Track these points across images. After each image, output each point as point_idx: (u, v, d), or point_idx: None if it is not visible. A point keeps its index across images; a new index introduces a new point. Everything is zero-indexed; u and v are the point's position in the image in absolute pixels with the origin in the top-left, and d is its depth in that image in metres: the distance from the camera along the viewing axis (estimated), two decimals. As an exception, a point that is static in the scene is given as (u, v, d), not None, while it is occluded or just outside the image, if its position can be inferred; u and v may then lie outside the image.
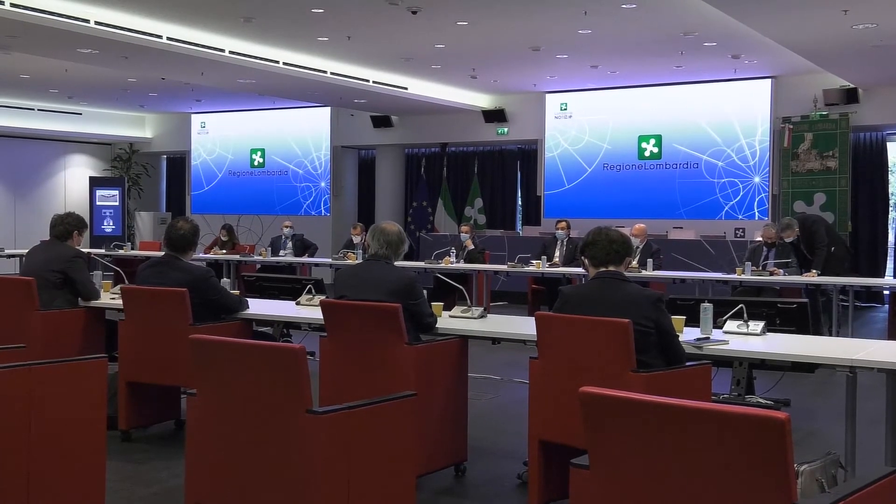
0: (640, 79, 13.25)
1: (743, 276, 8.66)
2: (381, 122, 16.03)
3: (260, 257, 11.56)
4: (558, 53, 11.41)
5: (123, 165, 18.71)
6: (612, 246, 3.93)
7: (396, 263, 4.63)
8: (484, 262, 10.84)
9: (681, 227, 12.77)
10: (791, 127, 12.54)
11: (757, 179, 13.06)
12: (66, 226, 5.78)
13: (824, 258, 9.51)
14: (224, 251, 12.14)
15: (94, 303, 5.69)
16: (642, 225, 10.13)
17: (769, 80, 12.88)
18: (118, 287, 5.56)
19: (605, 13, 9.15)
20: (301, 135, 16.83)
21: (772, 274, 8.62)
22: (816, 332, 6.93)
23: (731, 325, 4.48)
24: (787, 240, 9.21)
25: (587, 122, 14.33)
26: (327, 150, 16.55)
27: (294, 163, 16.90)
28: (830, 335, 8.29)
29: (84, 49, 10.30)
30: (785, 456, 2.01)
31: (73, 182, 18.32)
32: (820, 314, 8.78)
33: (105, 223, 17.63)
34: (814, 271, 8.81)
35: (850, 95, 12.28)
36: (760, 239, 9.55)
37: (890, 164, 13.38)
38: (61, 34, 9.37)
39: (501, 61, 11.98)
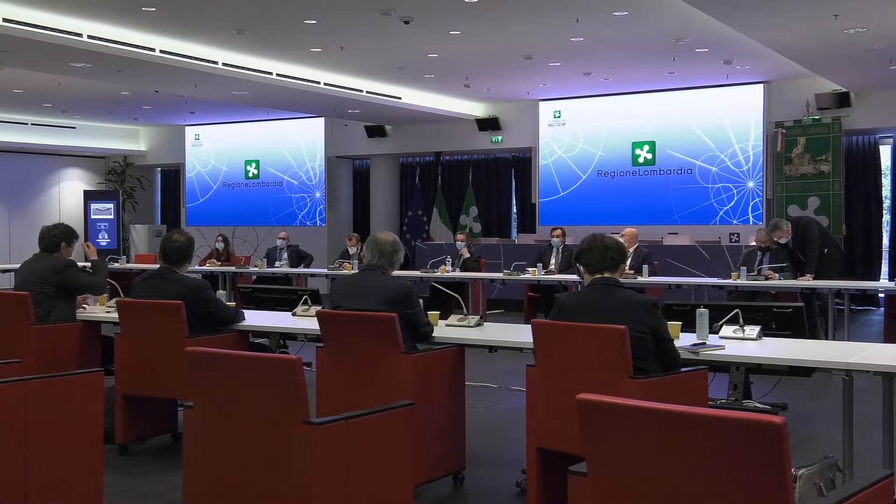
0: (632, 85, 13.28)
1: (739, 281, 8.66)
2: (375, 131, 16.05)
3: (255, 269, 11.56)
4: (551, 61, 11.44)
5: (118, 178, 18.71)
6: (607, 252, 3.94)
7: (393, 273, 4.64)
8: (480, 271, 10.84)
9: (676, 233, 12.79)
10: (784, 131, 12.57)
11: (751, 184, 13.09)
12: (51, 238, 5.71)
13: (816, 259, 9.47)
14: (219, 262, 12.13)
15: (89, 317, 5.69)
16: (632, 229, 10.11)
17: (761, 86, 12.93)
18: (114, 300, 5.56)
19: (597, 21, 9.18)
20: (295, 145, 16.84)
21: (767, 278, 8.63)
22: (813, 335, 6.95)
23: (727, 329, 4.49)
24: (779, 241, 9.21)
25: (581, 130, 14.36)
26: (322, 161, 16.56)
27: (289, 174, 16.91)
28: (826, 338, 8.30)
29: (77, 63, 10.30)
30: (782, 460, 2.01)
31: (67, 196, 18.31)
32: (816, 318, 8.78)
33: (100, 236, 17.61)
34: (808, 275, 8.81)
35: (843, 99, 12.33)
36: (755, 243, 9.56)
37: (883, 167, 13.43)
38: (54, 48, 9.37)
39: (494, 70, 12.01)
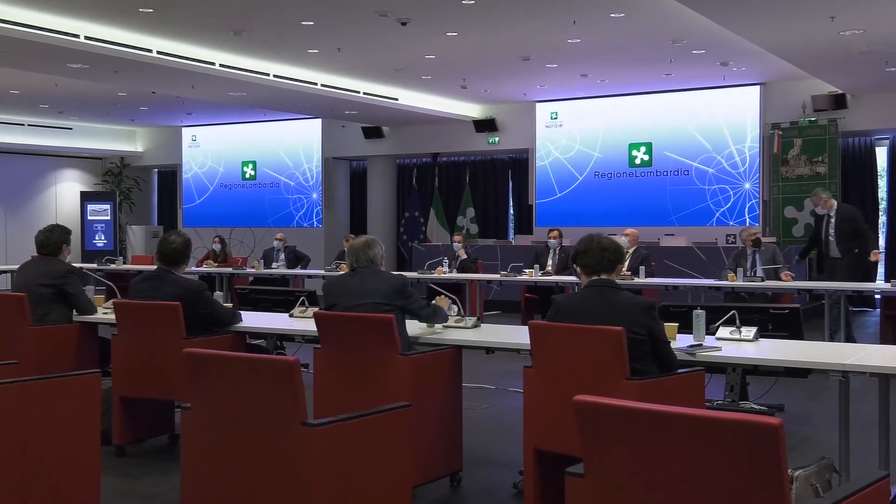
0: (629, 87, 13.29)
1: (735, 283, 8.66)
2: (373, 133, 16.05)
3: (252, 270, 11.55)
4: (548, 63, 11.45)
5: (114, 179, 18.69)
6: (604, 254, 3.94)
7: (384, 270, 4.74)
8: (477, 272, 10.84)
9: (672, 234, 12.81)
10: (780, 133, 12.59)
11: (747, 186, 13.11)
12: (54, 243, 5.75)
13: (862, 249, 9.13)
14: (216, 263, 12.13)
15: (86, 318, 5.67)
16: (634, 230, 10.13)
17: (758, 87, 12.95)
18: (111, 301, 5.55)
19: (594, 22, 9.19)
20: (292, 146, 16.83)
21: (771, 278, 8.62)
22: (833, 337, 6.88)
23: (723, 331, 4.49)
24: (815, 207, 9.22)
25: (578, 131, 14.37)
26: (318, 162, 16.55)
27: (285, 175, 16.90)
28: (825, 340, 8.31)
29: (74, 64, 10.29)
30: (779, 461, 2.01)
31: (64, 197, 18.29)
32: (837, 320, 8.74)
33: (96, 237, 17.60)
34: (788, 275, 8.71)
35: (839, 101, 12.35)
36: (741, 244, 9.48)
37: (879, 168, 13.45)
38: (51, 49, 9.37)
39: (491, 71, 12.02)
